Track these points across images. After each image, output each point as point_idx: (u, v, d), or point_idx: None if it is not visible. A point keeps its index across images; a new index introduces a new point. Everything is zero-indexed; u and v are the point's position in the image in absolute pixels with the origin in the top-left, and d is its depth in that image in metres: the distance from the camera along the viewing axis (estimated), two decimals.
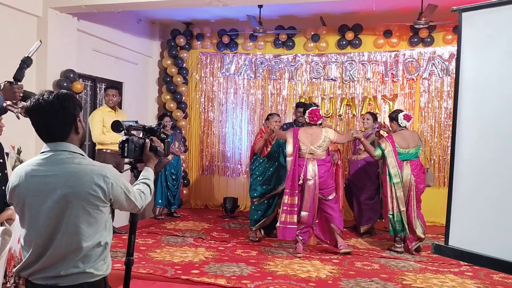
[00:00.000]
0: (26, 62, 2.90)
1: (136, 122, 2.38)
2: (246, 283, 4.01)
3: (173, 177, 7.01)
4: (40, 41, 3.00)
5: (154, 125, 2.41)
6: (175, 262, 4.64)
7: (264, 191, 5.71)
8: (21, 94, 2.88)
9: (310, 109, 5.12)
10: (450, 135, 3.01)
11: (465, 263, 4.52)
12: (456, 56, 2.75)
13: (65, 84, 5.55)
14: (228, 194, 7.74)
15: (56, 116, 1.90)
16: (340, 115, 7.51)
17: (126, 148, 2.23)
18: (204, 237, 5.84)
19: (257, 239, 5.70)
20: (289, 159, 5.08)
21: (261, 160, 5.77)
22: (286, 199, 5.03)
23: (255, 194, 5.74)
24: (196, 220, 6.91)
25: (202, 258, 4.82)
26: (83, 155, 1.95)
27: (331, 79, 7.53)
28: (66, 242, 1.87)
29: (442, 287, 4.08)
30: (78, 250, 1.87)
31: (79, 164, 1.90)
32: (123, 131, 2.30)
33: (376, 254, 5.20)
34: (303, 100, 7.59)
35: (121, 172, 2.12)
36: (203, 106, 8.08)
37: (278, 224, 5.06)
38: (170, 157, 6.79)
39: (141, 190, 2.14)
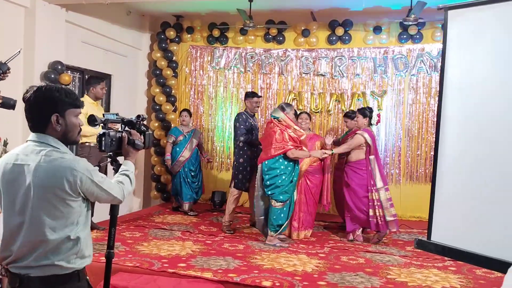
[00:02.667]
0: (1, 68, 2.90)
1: (117, 114, 2.38)
2: (232, 277, 4.03)
3: (192, 174, 6.99)
4: (20, 50, 3.01)
5: (133, 118, 2.40)
6: (162, 255, 4.65)
7: (294, 191, 5.32)
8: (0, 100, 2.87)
9: (378, 112, 5.70)
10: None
11: (449, 258, 4.58)
12: (441, 53, 2.78)
13: (52, 76, 5.49)
14: (217, 188, 7.75)
15: (32, 109, 1.97)
16: (329, 111, 7.54)
17: (103, 142, 2.23)
18: (191, 230, 5.84)
19: (287, 245, 5.22)
20: (371, 157, 5.48)
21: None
22: (387, 194, 5.41)
23: (284, 198, 5.17)
24: (184, 214, 6.91)
25: (189, 252, 4.83)
26: (58, 148, 1.96)
27: (321, 74, 7.55)
28: (32, 233, 1.89)
29: (425, 282, 4.14)
30: (45, 242, 1.89)
31: (49, 156, 1.91)
32: (99, 125, 2.30)
33: (361, 248, 5.26)
34: (292, 96, 7.63)
35: (99, 165, 2.13)
36: (193, 99, 8.06)
37: (392, 218, 5.37)
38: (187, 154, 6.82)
39: (119, 180, 2.16)
